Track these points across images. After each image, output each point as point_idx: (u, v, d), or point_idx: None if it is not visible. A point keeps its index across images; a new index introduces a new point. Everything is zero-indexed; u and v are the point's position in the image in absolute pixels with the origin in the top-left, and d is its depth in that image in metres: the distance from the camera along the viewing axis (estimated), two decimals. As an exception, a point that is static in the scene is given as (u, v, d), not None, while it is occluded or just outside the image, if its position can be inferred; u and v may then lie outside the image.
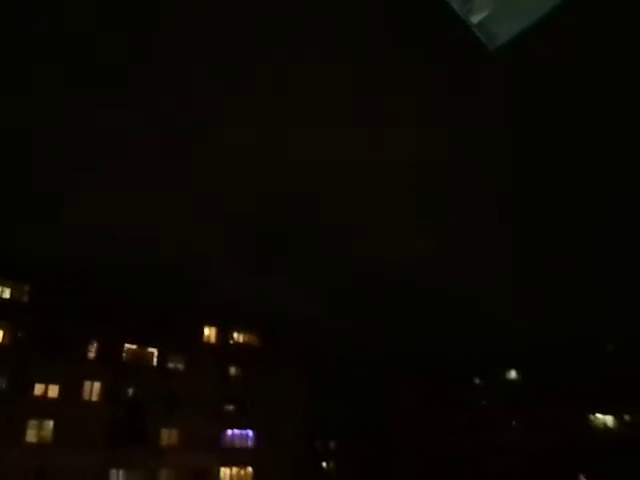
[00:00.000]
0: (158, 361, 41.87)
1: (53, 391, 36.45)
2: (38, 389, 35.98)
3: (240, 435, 44.71)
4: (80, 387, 37.68)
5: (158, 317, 42.48)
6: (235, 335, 47.34)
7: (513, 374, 53.66)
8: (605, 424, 47.21)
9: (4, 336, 35.91)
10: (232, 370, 45.85)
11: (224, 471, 43.10)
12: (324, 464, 59.48)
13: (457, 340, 53.12)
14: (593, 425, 47.43)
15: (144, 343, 41.37)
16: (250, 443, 45.00)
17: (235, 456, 43.58)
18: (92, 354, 38.96)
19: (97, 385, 38.39)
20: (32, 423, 35.18)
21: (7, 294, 37.10)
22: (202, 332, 45.34)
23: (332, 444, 60.12)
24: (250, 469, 44.25)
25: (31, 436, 34.97)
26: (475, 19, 3.60)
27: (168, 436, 40.54)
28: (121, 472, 37.62)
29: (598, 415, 47.37)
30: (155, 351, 41.86)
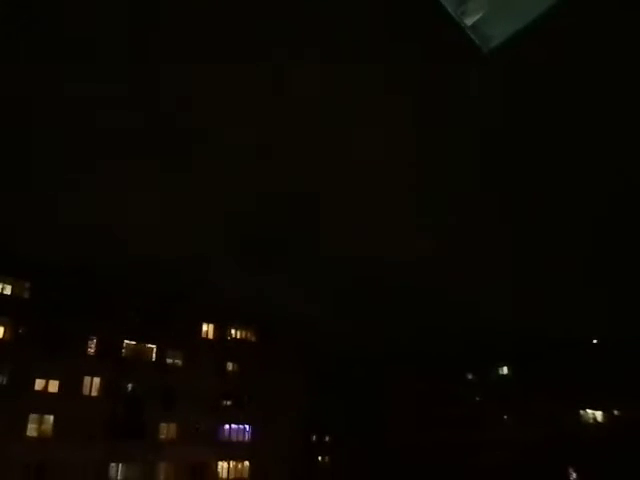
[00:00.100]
0: (157, 357, 42.37)
1: (53, 386, 36.85)
2: (39, 384, 36.38)
3: (237, 430, 45.30)
4: (80, 382, 38.10)
5: (157, 314, 42.98)
6: (233, 332, 47.90)
7: (505, 370, 54.48)
8: (595, 419, 48.08)
9: (5, 332, 36.34)
10: (230, 366, 46.40)
11: (222, 465, 43.70)
12: (320, 458, 60.18)
13: (450, 337, 53.86)
14: (583, 420, 48.28)
15: (143, 339, 41.86)
16: (247, 437, 45.58)
17: (232, 450, 44.16)
18: (92, 350, 39.42)
19: (97, 380, 38.84)
20: (33, 417, 35.60)
21: (8, 290, 37.51)
22: (200, 328, 45.85)
23: (328, 439, 60.84)
24: (247, 463, 44.84)
25: (32, 430, 35.42)
26: (469, 21, 4.02)
27: (167, 430, 41.08)
28: (120, 466, 38.16)
29: (588, 410, 48.25)
30: (154, 347, 42.34)
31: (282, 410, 46.12)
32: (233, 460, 44.21)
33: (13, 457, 33.26)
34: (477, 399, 54.96)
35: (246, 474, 44.59)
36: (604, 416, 47.54)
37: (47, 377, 36.61)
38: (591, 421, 48.09)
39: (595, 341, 49.54)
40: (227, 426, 44.70)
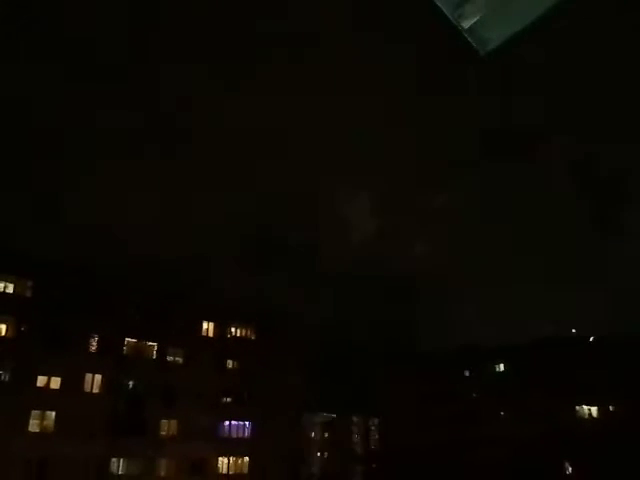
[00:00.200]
0: (158, 354, 42.76)
1: (55, 383, 37.25)
2: (41, 381, 36.80)
3: (237, 426, 45.67)
4: (81, 379, 38.51)
5: (158, 312, 43.36)
6: (233, 330, 48.28)
7: (502, 367, 54.89)
8: (590, 414, 48.50)
9: (8, 329, 36.78)
10: (229, 363, 46.78)
11: (222, 461, 44.09)
12: (319, 454, 60.70)
13: (447, 334, 54.36)
14: (579, 415, 48.71)
15: (144, 337, 42.26)
16: (247, 434, 45.95)
17: (232, 446, 44.52)
18: (93, 347, 39.83)
19: (98, 377, 39.24)
20: (35, 413, 36.02)
21: (10, 289, 37.93)
22: (201, 327, 46.21)
23: (326, 435, 61.37)
24: (247, 459, 45.20)
25: (34, 426, 35.86)
26: (466, 24, 4.22)
27: (167, 427, 41.48)
28: (122, 461, 38.61)
29: (584, 406, 48.67)
30: (155, 345, 42.74)
31: (281, 407, 46.49)
32: (233, 456, 44.61)
33: (15, 452, 33.65)
34: (474, 396, 55.37)
35: (246, 470, 44.99)
36: (599, 411, 47.95)
37: (49, 374, 37.03)
38: (587, 416, 48.51)
39: (592, 338, 49.96)
40: (227, 422, 45.10)
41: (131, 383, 40.61)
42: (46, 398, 36.45)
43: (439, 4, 4.24)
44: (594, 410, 48.24)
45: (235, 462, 44.76)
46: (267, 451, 44.85)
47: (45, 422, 36.36)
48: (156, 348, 42.84)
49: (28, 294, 38.36)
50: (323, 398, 59.06)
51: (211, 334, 46.69)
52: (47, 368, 36.92)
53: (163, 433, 41.24)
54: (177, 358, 43.75)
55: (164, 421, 41.41)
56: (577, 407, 48.69)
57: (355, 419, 62.52)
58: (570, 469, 47.40)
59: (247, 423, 46.09)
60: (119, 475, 38.28)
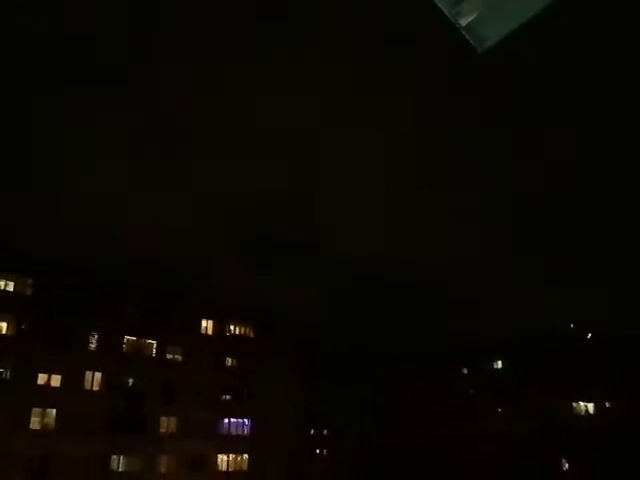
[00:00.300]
0: (157, 352, 43.00)
1: (56, 381, 37.47)
2: (41, 379, 37.02)
3: (237, 423, 45.93)
4: (82, 377, 38.73)
5: (157, 310, 43.59)
6: (232, 327, 48.52)
7: (499, 364, 55.25)
8: (587, 411, 48.86)
9: (8, 328, 36.96)
10: (229, 361, 47.03)
11: (221, 458, 44.34)
12: (318, 452, 60.93)
13: (445, 333, 54.60)
14: (576, 412, 49.07)
15: (144, 335, 42.48)
16: (246, 431, 46.24)
17: (232, 443, 44.78)
18: (93, 345, 40.04)
19: (98, 375, 39.46)
20: (36, 411, 36.24)
21: (11, 287, 38.12)
22: (200, 324, 46.45)
23: (326, 433, 61.61)
24: (246, 456, 45.47)
25: (35, 423, 36.07)
26: (464, 22, 4.29)
27: (167, 424, 41.71)
28: (122, 458, 38.84)
29: (580, 402, 49.03)
30: (154, 342, 42.98)
31: (281, 404, 46.74)
32: (232, 453, 44.87)
33: (17, 450, 33.88)
34: (472, 392, 55.71)
35: (245, 467, 45.24)
36: (596, 408, 48.30)
37: (49, 372, 37.23)
38: (583, 413, 48.86)
39: (589, 335, 50.28)
40: (226, 420, 45.36)
41: (131, 381, 40.84)
42: (47, 396, 36.66)
43: (437, 2, 4.37)
44: (591, 407, 48.60)
45: (235, 459, 45.02)
46: (267, 448, 45.12)
47: (46, 420, 36.56)
48: (156, 346, 43.07)
49: (28, 292, 38.55)
50: (322, 396, 59.29)
51: (210, 332, 46.93)
52: (47, 366, 37.11)
53: (163, 430, 41.47)
54: (176, 356, 43.98)
55: (164, 418, 41.64)
56: (574, 404, 49.04)
57: (354, 415, 62.73)
58: (567, 465, 47.76)
59: (246, 420, 46.35)
60: (119, 472, 38.48)
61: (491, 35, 4.54)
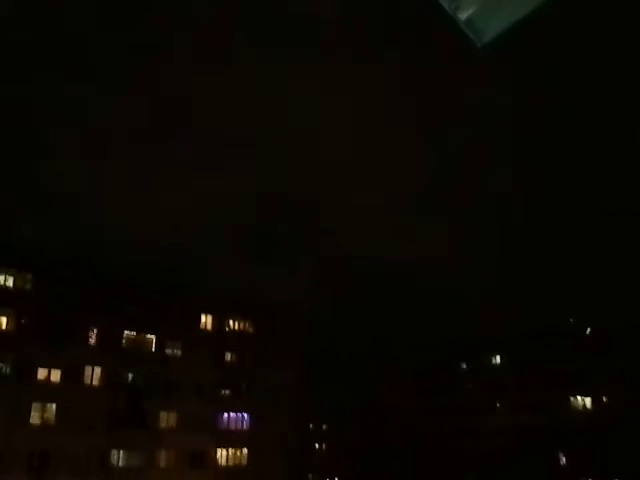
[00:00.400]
0: (157, 347, 43.09)
1: (55, 376, 37.56)
2: (41, 373, 37.09)
3: (236, 418, 46.11)
4: (81, 372, 38.80)
5: (157, 305, 43.67)
6: (231, 323, 48.63)
7: (498, 359, 55.45)
8: (584, 406, 49.09)
9: (8, 323, 37.00)
10: (228, 356, 47.15)
11: (220, 452, 44.54)
12: (317, 446, 61.19)
13: (442, 326, 54.77)
14: (573, 407, 49.30)
15: (143, 330, 42.58)
16: (245, 426, 46.44)
17: (231, 438, 44.98)
18: (93, 340, 40.10)
19: (98, 370, 39.55)
20: (36, 406, 36.34)
21: (10, 282, 38.15)
22: (199, 320, 46.56)
23: (325, 427, 61.84)
24: (245, 450, 45.69)
25: (35, 418, 36.17)
26: (463, 15, 4.28)
27: (167, 419, 41.85)
28: (122, 453, 38.99)
29: (578, 397, 49.23)
30: (154, 338, 43.09)
31: (280, 399, 46.92)
32: (232, 448, 45.05)
33: (17, 444, 34.01)
34: (470, 387, 55.92)
35: (245, 461, 45.45)
36: (593, 403, 48.50)
37: (49, 367, 37.33)
38: (581, 408, 49.08)
39: (589, 330, 50.40)
40: (226, 415, 45.53)
41: (130, 375, 40.95)
42: (47, 391, 36.78)
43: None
44: (588, 401, 48.81)
45: (234, 454, 45.20)
46: (266, 443, 45.31)
47: (46, 414, 36.68)
48: (155, 341, 43.17)
49: (28, 287, 38.58)
50: (321, 391, 59.48)
51: (210, 327, 47.03)
52: (47, 361, 37.21)
53: (162, 425, 41.61)
54: (176, 351, 44.09)
55: (163, 413, 41.78)
56: (572, 398, 49.25)
57: (352, 410, 62.95)
58: (564, 459, 48.03)
59: (246, 415, 46.53)
60: (119, 467, 38.63)
61: (491, 29, 4.50)
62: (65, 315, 38.66)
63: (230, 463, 44.73)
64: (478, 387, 55.03)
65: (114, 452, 38.58)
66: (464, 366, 57.74)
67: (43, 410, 36.64)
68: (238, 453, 45.41)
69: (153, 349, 42.97)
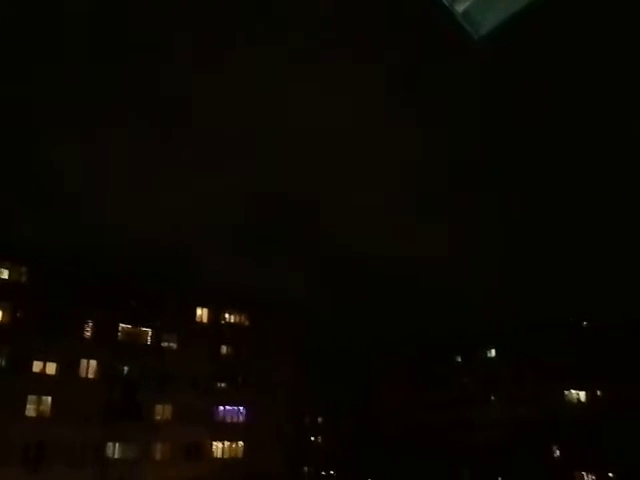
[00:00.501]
0: (152, 340, 43.09)
1: (51, 368, 37.58)
2: (37, 366, 37.09)
3: (232, 411, 46.19)
4: (77, 365, 38.82)
5: (152, 298, 43.63)
6: (227, 316, 48.63)
7: (493, 352, 55.68)
8: (579, 399, 49.38)
9: (3, 315, 36.94)
10: (224, 349, 47.17)
11: (216, 445, 44.66)
12: (313, 439, 61.39)
13: (439, 321, 54.95)
14: (568, 400, 49.59)
15: (139, 323, 42.56)
16: (241, 419, 46.54)
17: (227, 431, 45.06)
18: (88, 333, 40.06)
19: (93, 363, 39.56)
20: (31, 398, 36.38)
21: (6, 275, 38.05)
22: (195, 313, 46.55)
23: (321, 420, 62.02)
24: (241, 443, 45.82)
25: (31, 411, 36.23)
26: (460, 8, 4.27)
27: (162, 411, 41.88)
28: (117, 445, 39.06)
29: (573, 391, 49.51)
30: (149, 330, 43.07)
31: (276, 392, 47.00)
32: (228, 440, 45.15)
33: (13, 437, 34.05)
34: (465, 381, 56.18)
35: (240, 454, 45.57)
36: (587, 396, 48.78)
37: (45, 359, 37.33)
38: (575, 401, 49.36)
39: (585, 323, 50.60)
40: (221, 407, 45.60)
41: (126, 368, 40.95)
42: (42, 383, 36.79)
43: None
44: (582, 395, 49.10)
45: (230, 446, 45.32)
46: (262, 436, 45.43)
47: (42, 407, 36.72)
48: (151, 334, 43.16)
49: (23, 280, 38.50)
50: (317, 384, 59.61)
51: (205, 320, 47.02)
52: (43, 354, 37.20)
53: (158, 418, 41.67)
54: (172, 344, 44.10)
55: (159, 406, 41.83)
56: (566, 392, 49.52)
57: (348, 403, 63.21)
58: (558, 452, 48.36)
59: (241, 408, 46.62)
60: (115, 459, 38.70)
61: (487, 21, 4.48)
62: (61, 308, 38.59)
63: (226, 455, 44.86)
64: (473, 380, 55.29)
65: (110, 444, 38.65)
66: (459, 359, 57.97)
67: (39, 402, 36.67)
68: (234, 446, 45.52)
69: (149, 342, 42.99)
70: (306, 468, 60.54)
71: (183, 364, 43.10)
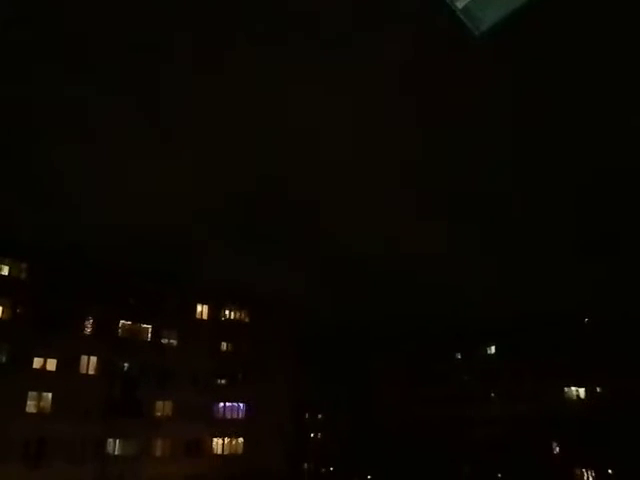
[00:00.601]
0: (152, 336, 43.12)
1: (51, 365, 37.57)
2: (37, 362, 37.08)
3: (232, 407, 46.25)
4: (77, 361, 38.83)
5: (152, 295, 43.66)
6: (227, 312, 48.68)
7: (492, 349, 55.73)
8: (578, 396, 49.43)
9: (4, 312, 36.94)
10: (224, 345, 47.24)
11: (216, 441, 44.74)
12: (312, 435, 61.56)
13: (439, 318, 54.98)
14: (567, 397, 49.64)
15: (139, 319, 42.58)
16: (241, 415, 46.61)
17: (227, 427, 45.15)
18: (89, 330, 40.09)
19: (94, 359, 39.58)
20: (32, 395, 36.41)
21: (5, 271, 38.06)
22: (195, 309, 46.59)
23: (320, 417, 62.19)
24: (241, 440, 45.91)
25: (31, 407, 36.25)
26: (460, 3, 4.20)
27: (162, 408, 41.94)
28: (117, 441, 39.12)
29: (572, 387, 49.55)
30: (150, 327, 43.11)
31: (276, 389, 47.07)
32: (228, 437, 45.24)
33: (14, 433, 34.09)
34: (465, 377, 56.25)
35: (240, 450, 45.67)
36: (587, 393, 48.82)
37: (45, 356, 37.33)
38: (575, 398, 49.41)
39: (585, 320, 50.57)
40: (221, 404, 45.68)
41: (126, 365, 40.99)
42: (42, 379, 36.81)
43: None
44: (582, 392, 49.14)
45: (230, 443, 45.41)
46: (262, 432, 45.51)
47: (42, 403, 36.76)
48: (151, 330, 43.19)
49: (23, 276, 38.49)
50: (317, 381, 59.75)
51: (205, 317, 47.07)
52: (43, 350, 37.19)
53: (158, 414, 41.73)
54: (172, 340, 44.14)
55: (159, 402, 41.89)
56: (565, 389, 49.56)
57: (348, 400, 63.34)
58: (557, 449, 48.44)
59: (241, 404, 46.69)
60: (115, 455, 38.77)
61: (488, 17, 4.43)
62: (61, 304, 38.60)
63: (226, 452, 44.95)
64: (473, 377, 55.36)
65: (110, 440, 38.70)
66: (459, 356, 58.04)
67: (39, 399, 36.72)
68: (234, 442, 45.61)
69: (149, 338, 43.01)
70: (306, 464, 60.74)
71: (183, 361, 43.14)
